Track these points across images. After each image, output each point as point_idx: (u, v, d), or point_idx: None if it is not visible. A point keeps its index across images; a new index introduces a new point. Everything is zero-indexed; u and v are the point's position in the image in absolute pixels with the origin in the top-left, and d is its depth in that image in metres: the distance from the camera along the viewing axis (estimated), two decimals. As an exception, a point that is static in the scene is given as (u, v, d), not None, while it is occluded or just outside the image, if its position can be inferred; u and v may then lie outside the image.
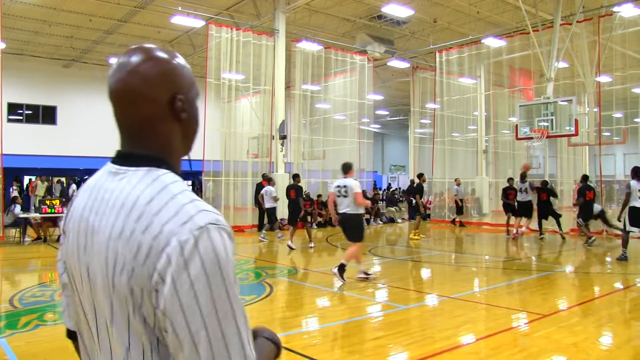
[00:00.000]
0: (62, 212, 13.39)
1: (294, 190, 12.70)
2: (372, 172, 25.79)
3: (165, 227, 0.90)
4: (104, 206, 1.00)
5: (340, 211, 7.97)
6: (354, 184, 7.85)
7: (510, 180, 15.25)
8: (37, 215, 13.09)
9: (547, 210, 13.86)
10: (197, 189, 31.98)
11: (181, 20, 17.00)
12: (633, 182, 9.77)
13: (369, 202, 8.07)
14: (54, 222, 13.65)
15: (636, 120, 17.30)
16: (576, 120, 14.83)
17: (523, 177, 14.02)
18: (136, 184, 0.98)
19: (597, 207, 13.16)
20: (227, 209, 16.78)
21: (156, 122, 1.03)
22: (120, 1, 17.19)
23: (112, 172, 1.06)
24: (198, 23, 17.50)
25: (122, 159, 1.06)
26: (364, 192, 11.67)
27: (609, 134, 21.11)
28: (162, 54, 1.05)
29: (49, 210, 13.03)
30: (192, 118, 1.08)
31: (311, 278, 8.79)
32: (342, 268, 7.71)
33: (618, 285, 8.17)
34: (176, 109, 1.04)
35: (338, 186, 7.97)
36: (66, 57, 24.15)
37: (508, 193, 14.79)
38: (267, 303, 6.81)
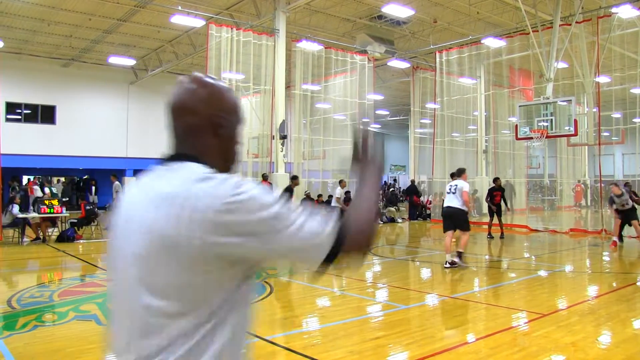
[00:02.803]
0: (60, 212, 13.39)
1: None
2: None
3: None
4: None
5: (446, 205, 9.40)
6: (464, 184, 9.17)
7: (496, 180, 14.74)
8: (36, 215, 13.06)
9: None
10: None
11: (181, 19, 16.97)
12: None
13: (470, 204, 9.69)
14: (53, 222, 13.63)
15: (635, 120, 17.30)
16: (575, 121, 14.82)
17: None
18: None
19: None
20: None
21: (198, 131, 1.27)
22: (119, 0, 17.17)
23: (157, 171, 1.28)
24: (198, 23, 17.48)
25: (168, 159, 1.28)
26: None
27: (608, 134, 21.11)
28: (210, 80, 1.31)
29: (47, 210, 13.01)
30: (230, 137, 1.33)
31: (311, 278, 8.79)
32: (459, 256, 9.17)
33: (617, 284, 8.17)
34: (214, 124, 1.28)
35: (450, 185, 9.36)
36: (65, 56, 24.12)
37: (494, 194, 14.20)
38: (268, 303, 6.80)
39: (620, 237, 12.76)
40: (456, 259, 9.15)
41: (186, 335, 1.14)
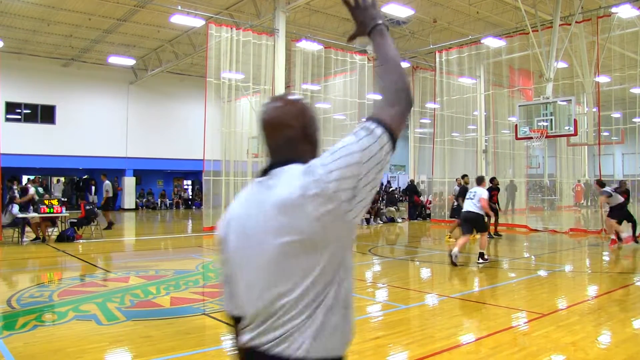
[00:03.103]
0: (60, 212, 13.37)
1: None
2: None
3: None
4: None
5: (465, 209, 10.24)
6: (482, 191, 10.14)
7: (493, 180, 14.73)
8: (36, 215, 13.05)
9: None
10: (198, 188, 32.07)
11: (181, 19, 16.97)
12: None
13: (488, 209, 10.57)
14: (53, 221, 13.62)
15: (634, 120, 17.30)
16: (575, 120, 14.81)
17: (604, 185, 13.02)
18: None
19: None
20: (227, 209, 16.75)
21: (295, 141, 1.50)
22: (119, 0, 17.17)
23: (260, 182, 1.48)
24: (198, 22, 17.48)
25: (269, 168, 1.48)
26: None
27: (607, 133, 21.10)
28: (295, 98, 1.58)
29: (47, 210, 13.00)
30: (317, 140, 1.56)
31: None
32: (482, 256, 9.89)
33: (616, 284, 8.17)
34: (306, 134, 1.53)
35: (470, 192, 10.33)
36: (65, 56, 24.12)
37: (492, 194, 13.88)
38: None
39: (619, 237, 12.76)
40: (479, 260, 9.83)
41: (325, 285, 1.36)
